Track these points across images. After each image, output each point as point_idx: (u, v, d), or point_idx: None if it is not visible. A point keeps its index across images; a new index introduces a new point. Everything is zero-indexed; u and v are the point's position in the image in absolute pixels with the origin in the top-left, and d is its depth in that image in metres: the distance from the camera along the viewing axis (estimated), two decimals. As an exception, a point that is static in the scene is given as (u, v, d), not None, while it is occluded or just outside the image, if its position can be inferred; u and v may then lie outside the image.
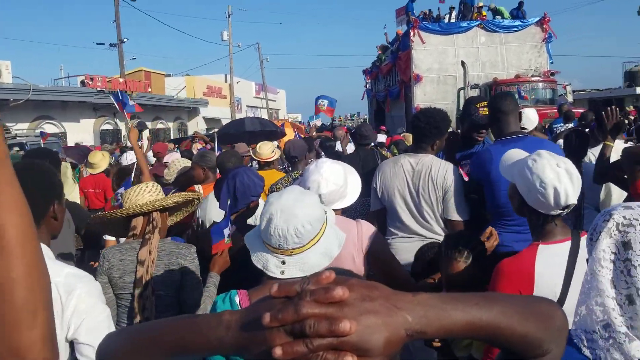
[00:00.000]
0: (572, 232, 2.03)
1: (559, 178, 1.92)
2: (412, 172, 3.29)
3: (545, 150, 2.07)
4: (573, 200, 1.93)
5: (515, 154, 2.23)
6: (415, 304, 0.68)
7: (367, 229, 2.44)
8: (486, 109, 3.65)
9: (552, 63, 21.50)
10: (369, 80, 32.07)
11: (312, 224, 1.60)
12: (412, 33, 21.20)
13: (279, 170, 5.75)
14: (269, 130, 10.10)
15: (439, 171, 3.24)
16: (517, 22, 21.42)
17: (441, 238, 3.22)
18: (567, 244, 1.98)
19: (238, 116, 31.36)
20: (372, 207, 3.48)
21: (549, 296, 1.88)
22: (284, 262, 1.62)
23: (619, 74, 34.28)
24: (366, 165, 5.06)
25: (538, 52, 21.27)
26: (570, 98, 20.06)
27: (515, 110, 3.35)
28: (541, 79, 18.98)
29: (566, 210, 1.95)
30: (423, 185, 3.23)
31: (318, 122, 12.76)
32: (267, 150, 5.77)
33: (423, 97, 20.00)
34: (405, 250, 3.22)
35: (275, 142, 7.89)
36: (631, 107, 20.52)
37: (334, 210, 2.43)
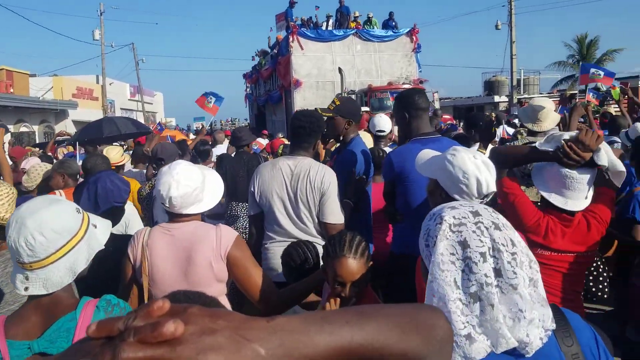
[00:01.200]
0: None
1: (478, 169, 2.04)
2: (290, 174, 3.26)
3: (459, 146, 2.22)
4: (493, 187, 2.06)
5: (428, 153, 2.34)
6: (269, 332, 0.57)
7: (227, 233, 2.35)
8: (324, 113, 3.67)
9: (421, 72, 22.80)
10: (250, 85, 31.93)
11: (47, 235, 1.48)
12: (291, 39, 21.45)
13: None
14: (136, 132, 9.36)
15: (317, 174, 3.23)
16: (390, 32, 22.46)
17: (318, 241, 3.25)
18: None
19: (139, 121, 29.76)
20: (249, 211, 3.40)
21: None
22: (27, 278, 1.51)
23: (479, 84, 37.18)
24: (251, 168, 4.96)
25: (408, 61, 22.47)
26: (437, 105, 21.39)
27: (428, 109, 3.39)
28: (411, 87, 20.06)
29: (486, 198, 2.07)
30: (301, 187, 3.22)
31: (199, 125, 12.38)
32: (116, 154, 5.55)
33: (303, 102, 20.27)
34: (283, 253, 3.22)
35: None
36: (492, 114, 22.27)
37: (191, 214, 2.35)
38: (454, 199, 2.04)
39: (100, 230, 1.73)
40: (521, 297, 1.13)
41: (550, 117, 4.49)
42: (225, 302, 2.41)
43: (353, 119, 3.72)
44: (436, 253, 1.18)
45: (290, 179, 3.25)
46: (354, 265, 2.23)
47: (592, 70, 9.07)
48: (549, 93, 31.96)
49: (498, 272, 1.15)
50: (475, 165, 2.04)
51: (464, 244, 1.17)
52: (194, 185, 2.29)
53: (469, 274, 1.15)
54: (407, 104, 3.30)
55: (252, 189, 3.33)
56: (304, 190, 3.22)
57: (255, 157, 5.46)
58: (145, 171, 5.57)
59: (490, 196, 2.09)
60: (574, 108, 4.32)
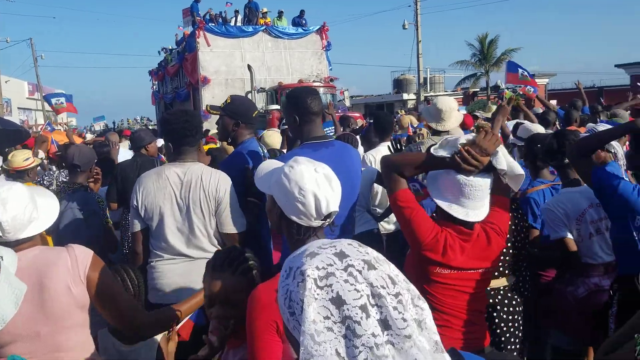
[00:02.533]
0: None
1: (318, 184, 1.77)
2: (180, 184, 2.92)
3: (303, 157, 1.90)
4: (334, 207, 1.78)
5: (271, 164, 2.02)
6: None
7: (82, 252, 2.06)
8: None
9: (331, 69, 22.95)
10: (156, 82, 30.81)
11: None
12: (198, 34, 20.84)
13: (36, 183, 4.98)
14: (11, 130, 8.37)
15: (211, 181, 2.93)
16: (300, 30, 22.41)
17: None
18: None
19: (8, 119, 27.59)
20: (132, 228, 3.02)
21: None
22: None
23: (388, 82, 38.11)
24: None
25: (319, 59, 22.53)
26: (348, 103, 21.59)
27: (321, 112, 3.10)
28: (322, 85, 20.06)
29: (328, 220, 1.81)
30: (193, 198, 2.90)
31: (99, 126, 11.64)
32: (19, 158, 5.02)
33: (211, 99, 19.75)
34: (171, 272, 2.90)
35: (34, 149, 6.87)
36: (402, 111, 22.82)
37: (30, 237, 2.02)
38: (291, 220, 1.80)
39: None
40: (419, 348, 0.93)
41: (453, 116, 4.45)
42: (86, 335, 2.12)
43: (241, 120, 3.37)
44: (306, 322, 0.93)
45: (180, 189, 2.92)
46: (228, 282, 1.96)
47: (521, 70, 9.17)
48: (453, 91, 33.33)
49: (385, 324, 0.93)
50: (315, 180, 1.77)
51: (338, 301, 0.93)
52: (23, 202, 1.97)
53: (353, 338, 0.91)
54: (298, 106, 2.99)
55: (135, 203, 2.95)
56: (197, 201, 2.91)
57: (149, 160, 5.00)
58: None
59: (333, 217, 1.83)
60: (499, 108, 4.29)
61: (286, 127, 3.33)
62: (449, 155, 2.20)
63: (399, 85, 35.82)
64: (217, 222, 2.96)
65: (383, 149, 4.92)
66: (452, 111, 4.43)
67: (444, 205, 2.26)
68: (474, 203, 2.24)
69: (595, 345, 3.43)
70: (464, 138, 2.24)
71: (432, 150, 2.26)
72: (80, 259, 2.04)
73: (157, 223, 2.93)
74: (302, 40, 22.36)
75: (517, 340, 2.84)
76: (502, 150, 2.24)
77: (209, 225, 2.94)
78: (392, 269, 1.00)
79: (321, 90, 19.68)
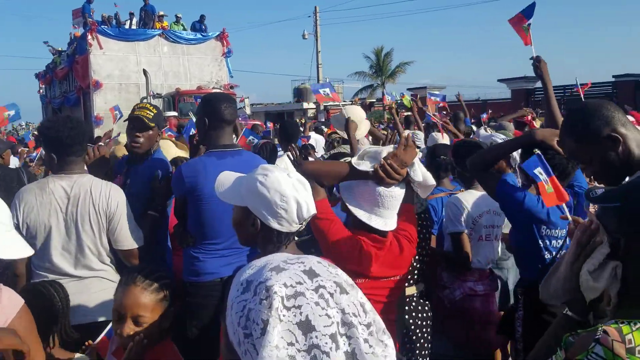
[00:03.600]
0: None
1: (296, 189, 1.74)
2: (66, 198, 2.70)
3: (267, 164, 1.89)
4: (314, 210, 1.78)
5: (229, 175, 1.92)
6: None
7: (10, 298, 1.81)
8: (140, 111, 3.23)
9: (232, 77, 22.68)
10: (43, 86, 28.87)
11: None
12: (89, 36, 19.78)
13: None
14: None
15: (101, 194, 2.74)
16: (199, 35, 21.95)
17: (105, 274, 2.81)
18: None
19: None
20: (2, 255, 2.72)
21: None
22: None
23: (289, 90, 38.37)
24: (7, 185, 4.06)
25: (219, 66, 22.17)
26: (248, 111, 21.44)
27: (233, 121, 3.03)
28: (222, 92, 19.79)
29: (304, 223, 1.79)
30: (82, 213, 2.70)
31: None
32: None
33: (104, 105, 18.79)
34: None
35: None
36: (303, 119, 23.04)
37: None
38: (270, 229, 1.75)
39: None
40: (389, 339, 0.87)
41: (362, 126, 4.55)
42: None
43: (160, 129, 3.35)
44: (268, 347, 0.80)
45: (67, 204, 2.70)
46: (140, 295, 1.88)
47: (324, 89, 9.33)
48: (351, 101, 34.11)
49: (353, 358, 0.83)
50: (292, 186, 1.75)
51: (306, 326, 0.83)
52: None
53: (332, 308, 0.84)
54: (210, 110, 2.92)
55: (15, 221, 2.65)
56: (87, 216, 2.71)
57: (14, 172, 4.48)
58: None
59: (309, 220, 1.82)
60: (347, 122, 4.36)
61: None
62: (371, 169, 2.23)
63: (300, 94, 36.12)
64: (110, 238, 2.77)
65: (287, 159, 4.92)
66: (361, 120, 4.52)
67: (364, 217, 2.27)
68: (391, 212, 2.29)
69: (498, 347, 3.61)
70: (385, 151, 2.28)
71: (353, 162, 2.27)
72: (6, 305, 1.78)
73: (41, 242, 2.69)
74: (201, 46, 21.89)
75: (428, 346, 2.92)
76: (417, 162, 2.32)
77: (99, 242, 2.76)
78: (361, 296, 0.92)
79: (221, 97, 19.43)
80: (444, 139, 5.46)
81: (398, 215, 2.35)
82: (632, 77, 26.03)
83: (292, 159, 4.62)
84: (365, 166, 2.24)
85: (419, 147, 5.60)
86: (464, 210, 3.33)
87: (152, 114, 3.21)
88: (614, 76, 26.96)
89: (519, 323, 2.91)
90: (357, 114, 4.52)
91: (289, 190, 1.73)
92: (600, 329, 1.24)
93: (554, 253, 2.85)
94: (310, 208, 1.77)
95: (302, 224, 1.79)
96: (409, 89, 31.48)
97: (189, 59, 21.57)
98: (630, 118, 3.46)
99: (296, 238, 1.89)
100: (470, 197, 3.41)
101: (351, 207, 2.30)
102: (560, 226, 2.83)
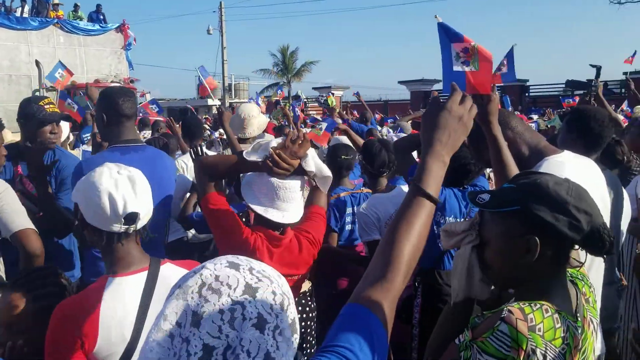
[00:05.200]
0: (151, 260, 1.82)
1: (117, 185, 1.70)
2: None
3: (113, 163, 1.84)
4: (133, 208, 1.71)
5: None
6: None
7: None
8: (52, 106, 3.12)
9: (132, 70, 21.92)
10: None
11: None
12: (-27, 23, 18.34)
13: None
14: None
15: None
16: (97, 26, 21.01)
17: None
18: (144, 275, 1.75)
19: None
20: None
21: (117, 340, 1.64)
22: None
23: (193, 86, 37.56)
24: None
25: (118, 59, 21.35)
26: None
27: (133, 115, 2.92)
28: (121, 85, 19.10)
29: (133, 225, 1.73)
30: None
31: None
32: None
33: (-9, 96, 17.54)
34: None
35: None
36: (205, 116, 22.72)
37: None
38: (94, 228, 1.73)
39: None
40: (293, 343, 0.96)
41: (255, 124, 4.59)
42: None
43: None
44: (162, 315, 0.91)
45: None
46: (14, 304, 1.78)
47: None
48: (256, 98, 34.03)
49: (283, 306, 0.96)
50: (114, 181, 1.71)
51: (197, 321, 0.91)
52: None
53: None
54: (107, 105, 2.86)
55: None
56: None
57: None
58: None
59: (137, 222, 1.76)
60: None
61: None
62: (260, 159, 2.22)
63: (204, 90, 35.52)
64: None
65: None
66: (252, 118, 4.57)
67: (260, 210, 2.27)
68: (288, 205, 2.29)
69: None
70: (274, 142, 2.28)
71: (244, 153, 2.26)
72: None
73: None
74: (99, 38, 20.95)
75: (313, 342, 2.99)
76: (311, 154, 2.32)
77: None
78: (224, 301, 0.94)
79: (121, 91, 18.70)
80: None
81: (305, 216, 2.38)
82: (519, 82, 28.15)
83: (196, 155, 4.64)
84: (255, 157, 2.24)
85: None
86: (374, 218, 3.35)
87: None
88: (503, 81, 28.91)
89: (416, 310, 3.05)
90: (248, 112, 4.57)
91: (104, 185, 1.70)
92: (505, 309, 1.33)
93: None
94: (128, 206, 1.70)
95: (128, 225, 1.73)
96: (314, 88, 32.00)
97: (86, 50, 20.58)
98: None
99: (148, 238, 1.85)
100: (378, 202, 3.43)
101: (249, 202, 2.31)
102: (455, 214, 2.98)
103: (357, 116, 10.88)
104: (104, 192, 1.68)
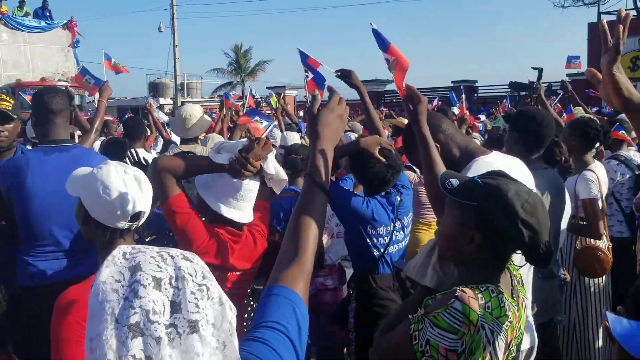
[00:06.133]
0: None
1: (125, 183, 1.76)
2: None
3: (115, 161, 1.88)
4: (141, 207, 1.78)
5: (84, 169, 1.91)
6: None
7: None
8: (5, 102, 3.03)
9: (80, 68, 21.33)
10: None
11: None
12: None
13: None
14: None
15: None
16: (43, 23, 20.36)
17: None
18: None
19: None
20: None
21: None
22: None
23: (144, 85, 36.86)
24: None
25: (65, 57, 20.76)
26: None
27: (62, 111, 2.86)
28: (69, 84, 18.57)
29: (136, 223, 1.80)
30: None
31: None
32: None
33: None
34: None
35: None
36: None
37: None
38: (97, 222, 1.78)
39: None
40: (200, 339, 0.90)
41: (197, 124, 4.53)
42: None
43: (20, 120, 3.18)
44: (96, 281, 0.90)
45: None
46: None
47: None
48: (210, 97, 33.70)
49: (176, 307, 0.89)
50: (122, 180, 1.76)
51: (135, 268, 0.91)
52: None
53: (133, 299, 0.88)
54: (36, 104, 2.83)
55: None
56: None
57: None
58: None
59: (142, 219, 1.82)
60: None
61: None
62: (227, 162, 2.27)
63: (155, 89, 34.85)
64: None
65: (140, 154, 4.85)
66: (194, 119, 4.50)
67: (223, 210, 2.31)
68: (247, 205, 2.37)
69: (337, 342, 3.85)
70: (240, 144, 2.34)
71: (210, 155, 2.31)
72: None
73: None
74: (45, 35, 20.30)
75: None
76: (270, 156, 2.40)
77: None
78: (210, 275, 0.98)
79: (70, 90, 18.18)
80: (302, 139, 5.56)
81: (253, 210, 2.43)
82: (468, 83, 28.85)
83: (133, 159, 4.55)
84: (222, 159, 2.29)
85: (274, 145, 5.78)
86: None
87: (12, 105, 3.05)
88: (452, 82, 29.59)
89: (351, 314, 3.08)
90: (189, 112, 4.53)
91: (115, 183, 1.75)
92: (457, 289, 1.47)
93: (382, 250, 3.02)
94: (137, 205, 1.76)
95: (132, 222, 1.79)
96: (268, 87, 31.89)
97: (31, 48, 19.92)
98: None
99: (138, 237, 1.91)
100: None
101: (210, 203, 2.33)
102: (385, 224, 3.02)
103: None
104: (114, 190, 1.74)
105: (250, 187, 2.35)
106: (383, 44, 2.35)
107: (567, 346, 3.94)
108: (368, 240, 2.98)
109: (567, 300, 3.86)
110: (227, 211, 2.31)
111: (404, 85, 2.12)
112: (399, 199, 3.12)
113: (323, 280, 3.52)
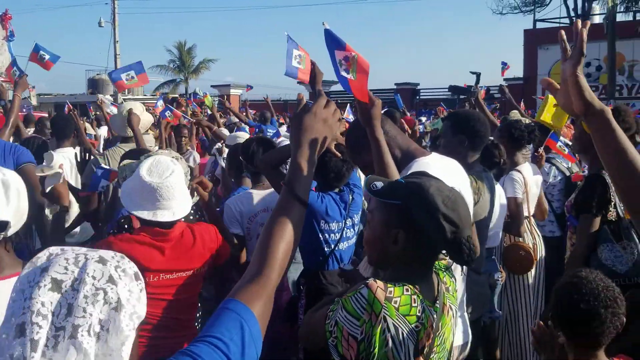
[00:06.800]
0: (24, 265, 1.75)
1: None
2: None
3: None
4: (2, 216, 1.62)
5: None
6: None
7: None
8: None
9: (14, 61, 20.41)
10: None
11: None
12: None
13: None
14: None
15: None
16: (-27, 15, 19.38)
17: None
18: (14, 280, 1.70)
19: None
20: None
21: None
22: None
23: (83, 81, 35.68)
24: None
25: (-1, 51, 19.82)
26: (34, 101, 19.44)
27: None
28: (3, 79, 17.71)
29: (3, 234, 1.64)
30: None
31: None
32: None
33: None
34: None
35: None
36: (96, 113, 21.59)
37: None
38: None
39: None
40: (75, 346, 0.87)
41: (141, 122, 4.45)
42: None
43: None
44: (16, 280, 0.94)
45: None
46: None
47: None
48: (152, 95, 32.95)
49: (71, 310, 0.89)
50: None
51: (44, 270, 0.92)
52: None
53: (28, 300, 0.89)
54: None
55: None
56: None
57: None
58: None
59: (8, 229, 1.66)
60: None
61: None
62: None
63: (95, 85, 33.76)
64: None
65: (68, 154, 4.71)
66: (136, 117, 4.36)
67: (149, 216, 2.28)
68: (172, 202, 2.31)
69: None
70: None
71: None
72: None
73: None
74: (-24, 27, 19.34)
75: None
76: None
77: None
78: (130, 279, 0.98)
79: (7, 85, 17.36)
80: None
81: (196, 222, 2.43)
82: (410, 85, 29.48)
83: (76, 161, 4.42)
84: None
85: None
86: (237, 212, 3.33)
87: None
88: (395, 84, 30.14)
89: (301, 311, 3.11)
90: (137, 109, 4.47)
91: None
92: (371, 278, 1.50)
93: (332, 246, 3.08)
94: None
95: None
96: (212, 86, 31.48)
97: (-40, 40, 18.92)
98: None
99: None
100: (245, 198, 3.41)
101: (132, 211, 2.30)
102: (337, 220, 3.08)
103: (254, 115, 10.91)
104: None
105: (170, 184, 2.29)
106: (338, 43, 2.20)
107: (501, 342, 4.10)
108: (320, 236, 3.02)
109: (500, 297, 4.01)
110: (152, 215, 2.27)
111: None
112: (351, 197, 3.19)
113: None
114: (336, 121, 1.50)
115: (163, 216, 2.28)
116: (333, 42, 2.08)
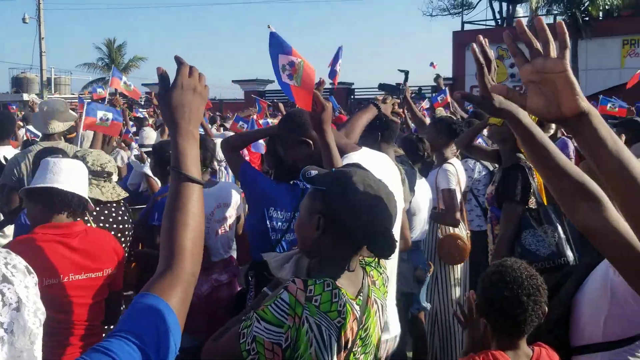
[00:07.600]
0: None
1: None
2: None
3: None
4: None
5: None
6: None
7: None
8: None
9: None
10: None
11: None
12: None
13: None
14: None
15: None
16: None
17: None
18: None
19: None
20: None
21: None
22: None
23: (6, 79, 34.01)
24: None
25: None
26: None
27: None
28: None
29: None
30: None
31: None
32: None
33: None
34: None
35: None
36: (23, 112, 20.62)
37: None
38: None
39: None
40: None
41: (60, 119, 4.30)
42: None
43: None
44: None
45: None
46: None
47: (123, 78, 9.06)
48: (80, 93, 31.79)
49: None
50: None
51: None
52: None
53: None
54: None
55: None
56: None
57: None
58: None
59: None
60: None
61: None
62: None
63: (19, 83, 32.26)
64: None
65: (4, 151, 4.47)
66: (57, 113, 4.29)
67: (40, 183, 2.21)
68: (66, 178, 2.21)
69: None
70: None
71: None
72: None
73: None
74: None
75: None
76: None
77: None
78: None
79: None
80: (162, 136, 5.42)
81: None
82: (345, 85, 29.81)
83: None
84: None
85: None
86: None
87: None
88: (331, 84, 30.41)
89: (249, 303, 3.03)
90: (52, 107, 4.33)
91: None
92: (290, 280, 1.48)
93: (279, 235, 3.05)
94: None
95: None
96: (144, 84, 30.66)
97: None
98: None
99: None
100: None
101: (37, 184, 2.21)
102: (286, 209, 3.04)
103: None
104: None
105: (66, 166, 2.21)
106: (283, 47, 2.08)
107: (431, 334, 4.21)
108: (268, 223, 3.00)
109: (430, 289, 4.12)
110: (43, 183, 2.16)
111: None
112: (303, 193, 3.20)
113: (217, 276, 3.44)
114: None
115: (58, 184, 2.16)
116: (278, 46, 2.04)
